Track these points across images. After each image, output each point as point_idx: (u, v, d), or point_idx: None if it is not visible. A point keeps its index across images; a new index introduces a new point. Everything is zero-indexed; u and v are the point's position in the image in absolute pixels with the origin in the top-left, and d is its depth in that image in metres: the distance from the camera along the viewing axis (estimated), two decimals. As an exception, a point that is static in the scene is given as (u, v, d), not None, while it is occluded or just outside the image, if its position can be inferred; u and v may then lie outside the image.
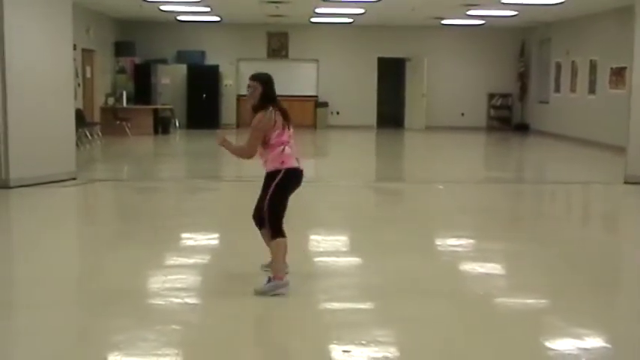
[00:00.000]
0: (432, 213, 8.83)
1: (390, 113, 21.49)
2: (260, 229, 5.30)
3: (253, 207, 5.33)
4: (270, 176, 5.16)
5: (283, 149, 5.10)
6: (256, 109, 5.12)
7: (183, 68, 19.37)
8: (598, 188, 10.85)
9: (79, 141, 13.30)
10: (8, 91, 9.13)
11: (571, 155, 15.32)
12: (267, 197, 5.11)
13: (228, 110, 19.80)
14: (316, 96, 20.37)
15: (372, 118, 20.75)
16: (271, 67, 20.44)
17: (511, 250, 6.76)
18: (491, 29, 20.04)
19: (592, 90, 16.59)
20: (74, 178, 10.04)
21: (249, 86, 5.14)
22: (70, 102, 10.33)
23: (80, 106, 15.10)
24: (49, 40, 9.67)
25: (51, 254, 6.36)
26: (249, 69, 20.25)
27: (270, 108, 5.08)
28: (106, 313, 4.71)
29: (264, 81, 5.14)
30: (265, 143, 5.13)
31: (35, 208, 8.51)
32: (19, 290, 5.41)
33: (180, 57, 19.87)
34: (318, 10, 16.53)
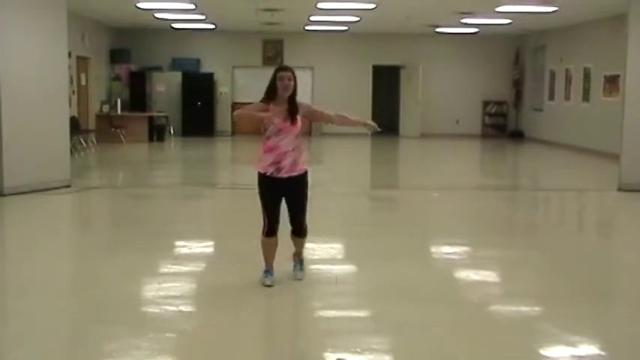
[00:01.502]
0: (427, 220, 8.84)
1: (385, 120, 21.41)
2: (274, 235, 5.41)
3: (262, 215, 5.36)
4: (304, 178, 5.35)
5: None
6: (292, 101, 5.25)
7: (178, 76, 19.38)
8: (592, 195, 10.88)
9: (74, 148, 13.28)
10: (2, 99, 9.11)
11: (565, 162, 15.37)
12: (305, 201, 5.39)
13: (223, 118, 19.80)
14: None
15: (366, 125, 20.75)
16: (266, 75, 20.37)
17: (505, 257, 6.77)
18: (485, 37, 20.11)
19: (586, 98, 16.65)
20: (68, 186, 10.03)
21: (283, 78, 5.19)
22: (65, 109, 10.33)
23: (75, 114, 15.09)
24: (43, 47, 9.67)
25: (45, 262, 6.35)
26: (244, 77, 20.46)
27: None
28: (100, 321, 4.69)
29: (294, 73, 5.31)
30: (297, 137, 5.30)
31: (29, 216, 8.49)
32: (12, 298, 5.39)
33: (175, 64, 19.88)
34: (313, 18, 16.56)
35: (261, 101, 5.27)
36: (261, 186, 5.30)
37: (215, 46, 20.24)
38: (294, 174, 5.26)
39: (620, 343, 4.55)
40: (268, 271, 5.45)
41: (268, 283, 5.38)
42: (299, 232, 5.47)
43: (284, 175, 5.23)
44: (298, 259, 5.66)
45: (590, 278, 6.14)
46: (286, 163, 5.22)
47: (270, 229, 5.33)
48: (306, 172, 5.37)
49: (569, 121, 17.48)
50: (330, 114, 5.54)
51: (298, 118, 5.25)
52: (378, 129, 5.52)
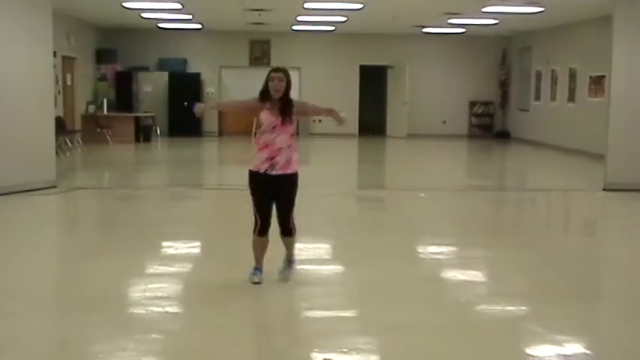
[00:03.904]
0: (414, 220, 8.85)
1: (372, 121, 21.54)
2: (266, 235, 5.47)
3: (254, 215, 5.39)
4: (295, 178, 5.38)
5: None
6: (284, 101, 5.28)
7: (164, 76, 19.31)
8: (578, 195, 10.93)
9: (59, 149, 13.20)
10: (-13, 99, 9.05)
11: (551, 163, 15.45)
12: (293, 201, 5.41)
13: (210, 118, 19.74)
14: (298, 104, 20.36)
15: (354, 126, 20.77)
16: (253, 75, 20.33)
17: (492, 257, 6.79)
18: (472, 37, 20.18)
19: (571, 98, 16.75)
20: (54, 187, 9.96)
21: (274, 78, 5.26)
22: (50, 109, 10.27)
23: (60, 114, 15.00)
24: (28, 47, 9.59)
25: (30, 263, 6.30)
26: (231, 77, 20.42)
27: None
28: (86, 322, 4.66)
29: (288, 74, 5.35)
30: (292, 136, 5.36)
31: (14, 217, 8.43)
32: (-3, 300, 5.35)
33: (162, 64, 19.81)
34: (300, 18, 16.56)
35: (257, 99, 5.37)
36: (253, 184, 5.35)
37: (202, 46, 20.19)
38: (288, 172, 5.32)
39: (606, 342, 4.57)
40: (258, 268, 5.50)
41: (256, 280, 5.44)
42: (286, 230, 5.47)
43: (278, 171, 5.28)
44: (288, 261, 5.65)
45: (576, 278, 6.17)
46: (281, 159, 5.28)
47: (262, 229, 5.39)
48: (296, 174, 5.40)
49: (555, 121, 17.57)
50: (320, 108, 5.64)
51: (293, 117, 5.32)
52: (342, 122, 5.53)
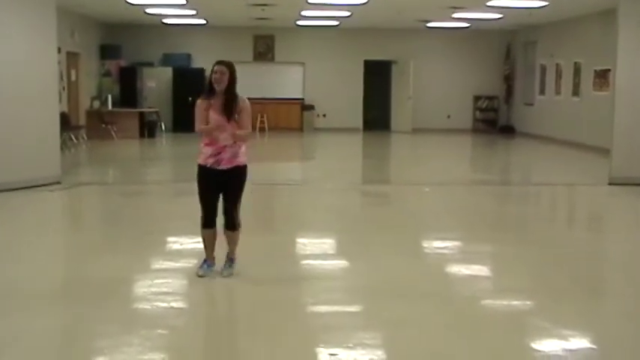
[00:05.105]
0: (419, 215, 8.84)
1: (377, 116, 21.52)
2: (212, 227, 5.53)
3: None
4: (243, 171, 5.39)
5: None
6: (228, 94, 5.27)
7: (168, 71, 19.29)
8: (583, 190, 10.91)
9: (64, 145, 13.22)
10: (-8, 95, 9.07)
11: (556, 157, 15.41)
12: (239, 194, 5.41)
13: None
14: (302, 99, 20.36)
15: (358, 120, 20.78)
16: (257, 70, 20.43)
17: (497, 252, 6.78)
18: (476, 32, 20.13)
19: (576, 92, 16.70)
20: (59, 182, 9.98)
21: (216, 72, 5.26)
22: (55, 105, 10.27)
23: (65, 110, 15.02)
24: (33, 43, 9.60)
25: (34, 259, 6.31)
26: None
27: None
28: (91, 318, 4.67)
29: (232, 67, 5.33)
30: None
31: (19, 213, 8.44)
32: (1, 296, 5.36)
33: (166, 60, 19.80)
34: (304, 13, 16.53)
35: (203, 98, 5.40)
36: (200, 178, 5.45)
37: (206, 41, 20.16)
38: (234, 165, 5.37)
39: (611, 337, 4.56)
40: (206, 261, 5.60)
41: (200, 273, 5.53)
42: (229, 224, 5.48)
43: (223, 166, 5.34)
44: (228, 258, 5.61)
45: (581, 272, 6.16)
46: (225, 155, 5.34)
47: (207, 222, 5.48)
48: (245, 166, 5.43)
49: (559, 115, 17.53)
50: (242, 130, 5.38)
51: (236, 116, 5.31)
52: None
